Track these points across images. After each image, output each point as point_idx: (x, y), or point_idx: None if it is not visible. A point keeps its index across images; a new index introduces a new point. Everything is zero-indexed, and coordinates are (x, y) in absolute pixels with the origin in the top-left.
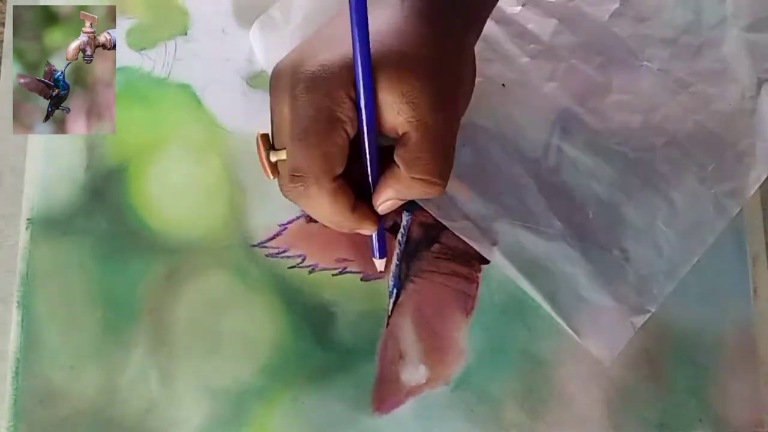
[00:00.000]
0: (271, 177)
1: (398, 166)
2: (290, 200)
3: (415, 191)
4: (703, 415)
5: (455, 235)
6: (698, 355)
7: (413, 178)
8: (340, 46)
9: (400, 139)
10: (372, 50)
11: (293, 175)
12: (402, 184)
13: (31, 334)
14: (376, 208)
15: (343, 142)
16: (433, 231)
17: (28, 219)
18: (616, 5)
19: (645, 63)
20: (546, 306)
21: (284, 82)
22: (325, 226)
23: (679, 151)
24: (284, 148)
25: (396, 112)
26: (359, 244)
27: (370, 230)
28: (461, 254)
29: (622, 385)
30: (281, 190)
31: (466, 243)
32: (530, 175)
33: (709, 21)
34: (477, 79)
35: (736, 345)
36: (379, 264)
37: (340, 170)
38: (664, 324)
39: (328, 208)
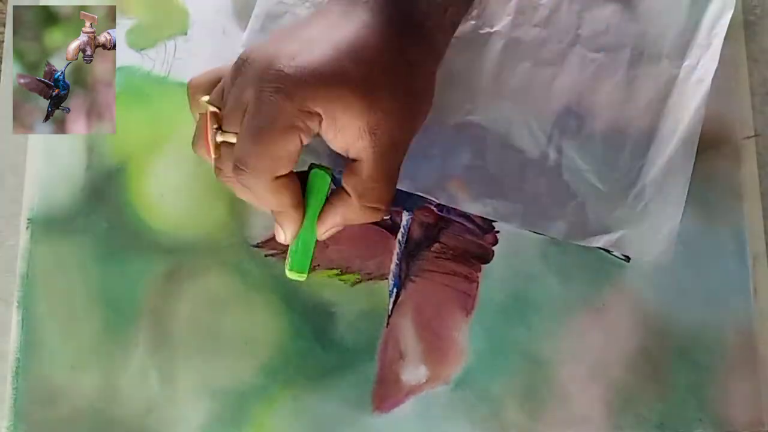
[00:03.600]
0: (213, 156)
1: (347, 194)
2: (222, 182)
3: (365, 217)
4: (703, 415)
5: (455, 234)
6: (698, 355)
7: (365, 206)
8: (318, 50)
9: (351, 167)
10: (341, 65)
11: (237, 166)
12: (351, 210)
13: (31, 334)
14: (319, 236)
15: (295, 149)
16: (434, 230)
17: (28, 219)
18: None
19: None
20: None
21: (253, 73)
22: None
23: None
24: (234, 133)
25: (356, 137)
26: (360, 244)
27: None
28: (461, 254)
29: (622, 385)
30: (216, 172)
31: (466, 242)
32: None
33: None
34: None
35: (736, 345)
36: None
37: (284, 172)
38: (664, 324)
39: (266, 201)
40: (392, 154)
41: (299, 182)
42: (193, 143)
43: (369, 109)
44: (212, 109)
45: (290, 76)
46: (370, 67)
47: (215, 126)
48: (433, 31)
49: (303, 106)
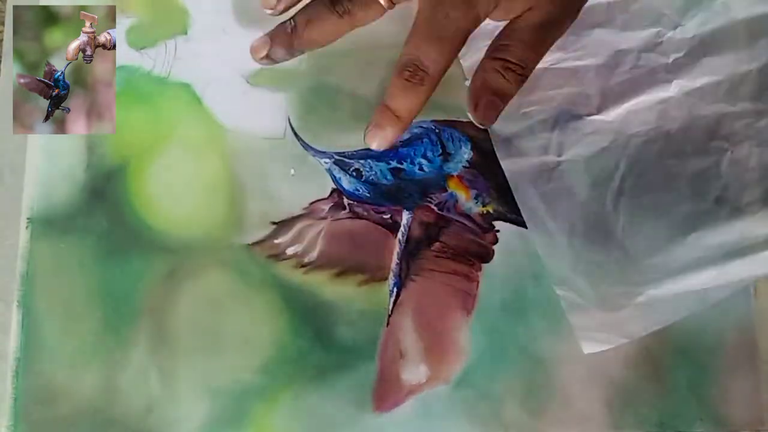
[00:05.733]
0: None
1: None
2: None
3: (492, 81)
4: (703, 414)
5: (456, 233)
6: (698, 355)
7: (501, 62)
8: None
9: (505, 30)
10: None
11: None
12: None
13: (31, 334)
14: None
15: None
16: (434, 229)
17: (28, 219)
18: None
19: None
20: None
21: None
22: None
23: None
24: None
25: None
26: (360, 243)
27: None
28: (462, 253)
29: (622, 385)
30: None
31: (467, 242)
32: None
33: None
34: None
35: (736, 345)
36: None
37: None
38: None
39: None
40: (546, 28)
41: None
42: None
43: None
44: None
45: None
46: None
47: None
48: None
49: None
